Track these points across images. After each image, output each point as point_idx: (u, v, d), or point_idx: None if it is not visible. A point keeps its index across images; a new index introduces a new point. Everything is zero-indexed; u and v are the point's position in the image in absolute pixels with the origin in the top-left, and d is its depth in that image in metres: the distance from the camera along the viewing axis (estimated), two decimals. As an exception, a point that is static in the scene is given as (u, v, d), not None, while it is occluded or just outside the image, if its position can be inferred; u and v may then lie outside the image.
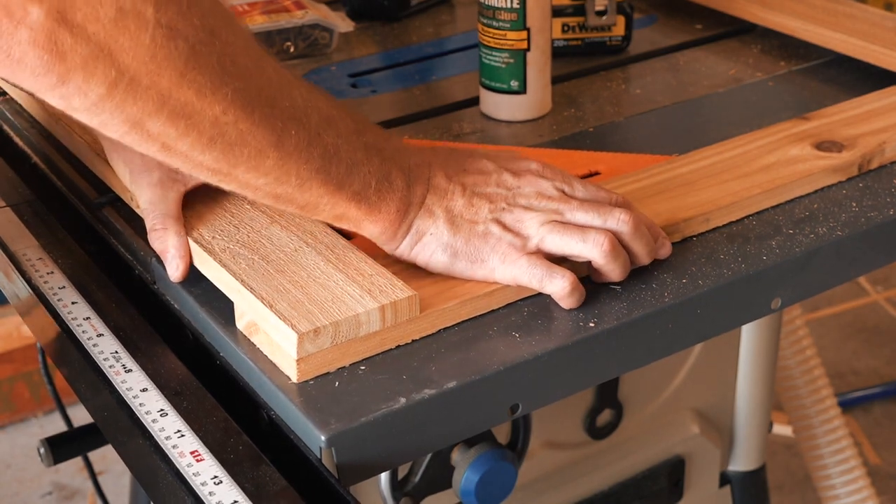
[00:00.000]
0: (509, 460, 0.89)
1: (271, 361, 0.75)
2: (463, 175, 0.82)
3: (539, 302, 0.81)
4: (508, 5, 1.05)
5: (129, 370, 0.79)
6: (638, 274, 0.83)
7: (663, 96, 1.14)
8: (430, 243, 0.80)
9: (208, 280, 0.82)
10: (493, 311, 0.80)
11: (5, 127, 1.12)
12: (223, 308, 0.80)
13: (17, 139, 1.10)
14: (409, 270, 0.81)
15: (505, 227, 0.80)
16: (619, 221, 0.81)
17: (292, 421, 0.72)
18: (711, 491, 1.22)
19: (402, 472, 0.94)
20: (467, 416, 0.75)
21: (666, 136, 1.07)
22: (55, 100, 0.65)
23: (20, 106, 1.13)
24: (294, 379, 0.73)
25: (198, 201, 0.86)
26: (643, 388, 1.12)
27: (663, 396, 1.14)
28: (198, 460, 0.71)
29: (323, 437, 0.69)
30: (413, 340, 0.77)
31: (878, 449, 2.27)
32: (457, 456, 0.90)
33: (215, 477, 0.69)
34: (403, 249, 0.81)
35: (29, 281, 0.90)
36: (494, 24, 1.06)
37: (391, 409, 0.71)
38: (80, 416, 1.07)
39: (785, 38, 1.24)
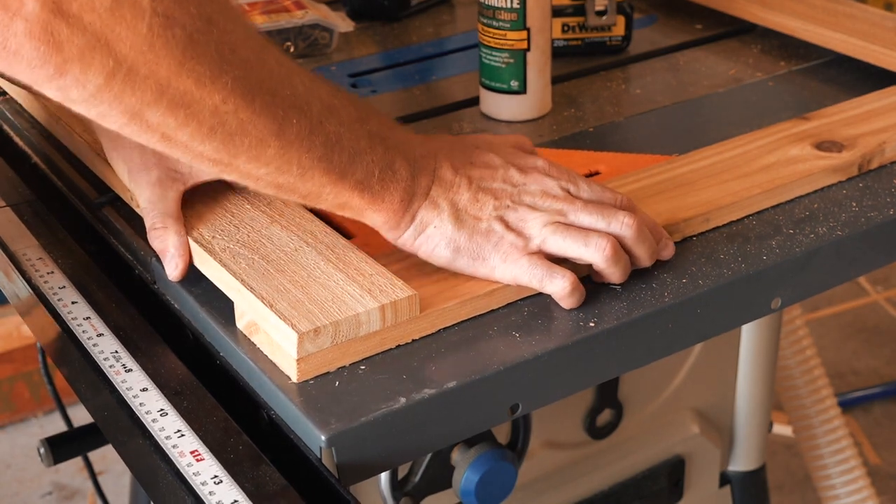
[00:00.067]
0: (509, 460, 0.89)
1: (271, 361, 0.75)
2: (469, 168, 0.82)
3: (539, 302, 0.81)
4: (508, 5, 1.05)
5: (130, 370, 0.79)
6: (638, 274, 0.83)
7: (663, 96, 1.14)
8: (434, 236, 0.80)
9: (208, 280, 0.82)
10: (493, 310, 0.80)
11: (5, 127, 1.12)
12: (223, 308, 0.80)
13: (17, 139, 1.10)
14: (409, 270, 0.81)
15: (508, 225, 0.80)
16: (622, 225, 0.80)
17: (292, 421, 0.72)
18: (711, 491, 1.22)
19: (402, 471, 0.93)
20: (467, 416, 0.75)
21: (666, 136, 1.07)
22: (53, 92, 0.65)
23: (20, 106, 1.13)
24: (294, 379, 0.73)
25: (198, 200, 0.86)
26: (643, 387, 1.11)
27: (663, 396, 1.14)
28: (198, 460, 0.71)
29: (323, 437, 0.69)
30: (413, 340, 0.77)
31: (878, 449, 2.27)
32: (457, 456, 0.90)
33: (215, 477, 0.69)
34: (406, 239, 0.80)
35: (29, 281, 0.89)
36: (494, 24, 1.06)
37: (391, 408, 0.71)
38: (80, 416, 1.07)
39: (785, 38, 1.24)
